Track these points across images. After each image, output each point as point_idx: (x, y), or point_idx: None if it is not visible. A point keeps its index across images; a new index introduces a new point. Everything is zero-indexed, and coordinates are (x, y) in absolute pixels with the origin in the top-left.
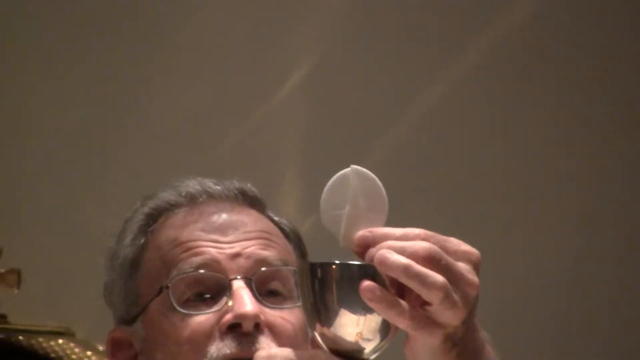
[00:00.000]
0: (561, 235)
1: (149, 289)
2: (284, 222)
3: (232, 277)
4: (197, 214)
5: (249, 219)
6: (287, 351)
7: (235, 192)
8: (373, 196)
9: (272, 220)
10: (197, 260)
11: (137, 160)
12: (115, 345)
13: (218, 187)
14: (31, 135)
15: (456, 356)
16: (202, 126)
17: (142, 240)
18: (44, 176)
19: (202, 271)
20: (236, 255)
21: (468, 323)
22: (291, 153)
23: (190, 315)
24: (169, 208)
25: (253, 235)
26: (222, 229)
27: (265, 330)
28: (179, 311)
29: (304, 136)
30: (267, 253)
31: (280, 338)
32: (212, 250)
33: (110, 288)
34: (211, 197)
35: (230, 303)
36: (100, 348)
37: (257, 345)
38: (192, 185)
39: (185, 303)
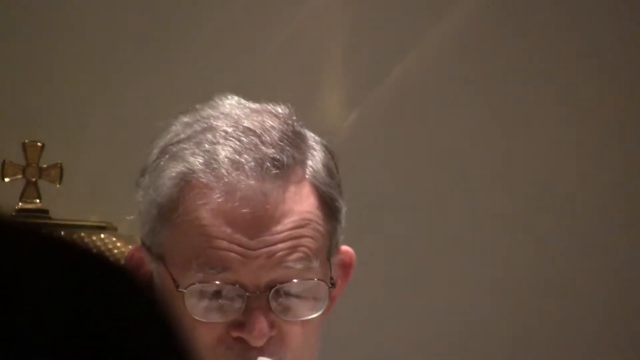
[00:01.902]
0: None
1: (171, 255)
2: (320, 177)
3: (251, 291)
4: (229, 202)
5: (281, 211)
6: None
7: (271, 164)
8: None
9: (312, 185)
10: (218, 266)
11: (183, 58)
12: (135, 265)
13: (252, 164)
14: (75, 28)
15: None
16: (247, 26)
17: (174, 196)
18: (87, 70)
19: (218, 282)
20: (260, 267)
21: None
22: (334, 47)
23: (200, 322)
24: (199, 178)
25: (281, 238)
26: (250, 230)
27: (276, 341)
28: (191, 316)
29: (347, 29)
30: (294, 258)
31: (289, 347)
32: (236, 259)
33: (139, 207)
34: (245, 175)
35: (244, 317)
36: None
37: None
38: (226, 156)
39: (199, 308)
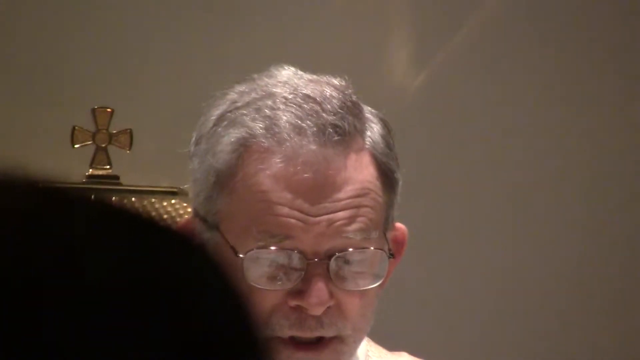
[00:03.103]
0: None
1: (229, 221)
2: (380, 147)
3: (310, 258)
4: (290, 166)
5: (342, 178)
6: None
7: (333, 130)
8: None
9: (371, 155)
10: (279, 234)
11: (246, 23)
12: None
13: (314, 129)
14: None
15: None
16: None
17: (233, 161)
18: (155, 35)
19: (278, 249)
20: (320, 235)
21: None
22: (401, 6)
23: (258, 289)
24: (260, 142)
25: (342, 206)
26: (311, 196)
27: (334, 312)
28: (248, 283)
29: None
30: (353, 229)
31: (348, 318)
32: (297, 225)
33: (194, 175)
34: (307, 140)
35: (303, 285)
36: None
37: (320, 330)
38: (287, 121)
39: (257, 274)
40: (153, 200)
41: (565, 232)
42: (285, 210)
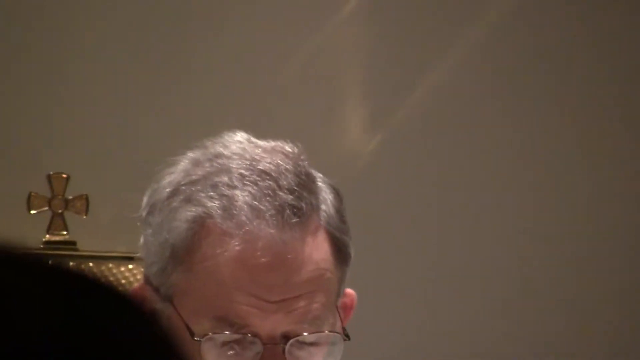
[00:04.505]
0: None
1: (183, 298)
2: (334, 222)
3: (266, 342)
4: (249, 250)
5: (299, 261)
6: None
7: (290, 212)
8: None
9: (327, 232)
10: (236, 323)
11: (201, 86)
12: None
13: (272, 212)
14: (96, 60)
15: None
16: (263, 49)
17: (189, 239)
18: (111, 103)
19: (238, 336)
20: (276, 321)
21: None
22: (353, 73)
23: None
24: (217, 224)
25: (298, 290)
26: (269, 281)
27: None
28: None
29: (366, 55)
30: (310, 317)
31: None
32: (254, 313)
33: (146, 244)
34: (266, 223)
35: None
36: None
37: None
38: (244, 202)
39: (213, 355)
40: (110, 265)
41: (568, 234)
42: (243, 297)
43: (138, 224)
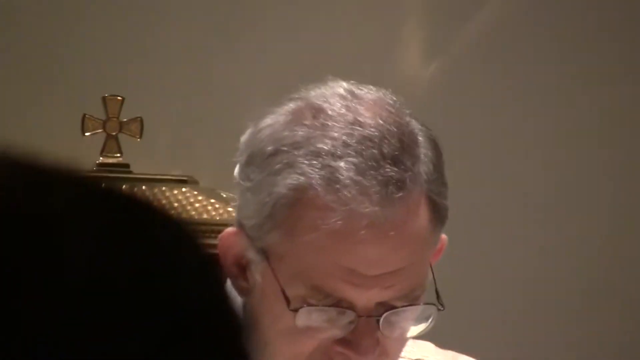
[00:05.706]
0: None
1: (279, 259)
2: (435, 187)
3: (361, 314)
4: (351, 226)
5: (401, 238)
6: None
7: (394, 187)
8: None
9: (427, 198)
10: (332, 296)
11: (258, 21)
12: (228, 247)
13: (377, 188)
14: None
15: None
16: None
17: (291, 207)
18: (168, 22)
19: (334, 308)
20: (373, 295)
21: None
22: None
23: (307, 333)
24: (320, 195)
25: (398, 267)
26: (369, 258)
27: (378, 355)
28: (296, 326)
29: None
30: (407, 289)
31: (390, 356)
32: (352, 288)
33: (243, 192)
34: (370, 201)
35: (352, 336)
36: (224, 195)
37: None
38: (348, 176)
39: (307, 321)
40: (163, 188)
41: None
42: (342, 271)
43: (236, 165)
